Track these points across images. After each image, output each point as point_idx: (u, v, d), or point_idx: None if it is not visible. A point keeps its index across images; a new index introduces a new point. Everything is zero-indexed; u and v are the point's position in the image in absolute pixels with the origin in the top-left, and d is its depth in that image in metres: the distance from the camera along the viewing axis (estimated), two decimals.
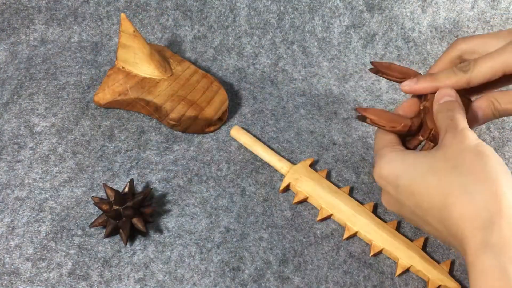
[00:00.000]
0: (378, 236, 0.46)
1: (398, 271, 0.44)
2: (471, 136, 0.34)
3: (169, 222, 0.47)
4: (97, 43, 0.66)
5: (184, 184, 0.51)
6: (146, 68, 0.55)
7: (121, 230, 0.44)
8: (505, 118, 0.59)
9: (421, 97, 0.42)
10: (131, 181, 0.47)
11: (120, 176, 0.51)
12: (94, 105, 0.58)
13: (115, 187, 0.50)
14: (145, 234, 0.46)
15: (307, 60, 0.67)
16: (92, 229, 0.46)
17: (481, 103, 0.41)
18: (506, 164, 0.54)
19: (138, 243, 0.45)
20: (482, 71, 0.38)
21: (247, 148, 0.54)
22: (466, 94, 0.41)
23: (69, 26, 0.67)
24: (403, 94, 0.62)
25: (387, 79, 0.45)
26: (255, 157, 0.54)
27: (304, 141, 0.56)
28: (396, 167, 0.36)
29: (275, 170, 0.52)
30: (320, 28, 0.69)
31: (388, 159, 0.37)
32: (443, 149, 0.34)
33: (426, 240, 0.47)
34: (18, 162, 0.52)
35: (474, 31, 0.71)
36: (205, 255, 0.45)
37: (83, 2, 0.67)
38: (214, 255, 0.45)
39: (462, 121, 0.36)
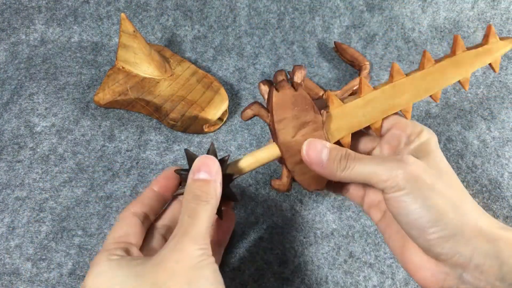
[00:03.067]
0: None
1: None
2: (193, 252, 0.28)
3: None
4: (97, 43, 0.66)
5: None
6: (146, 68, 0.55)
7: None
8: (505, 118, 0.60)
9: None
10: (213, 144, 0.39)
11: (120, 176, 0.51)
12: (94, 105, 0.58)
13: (115, 187, 0.50)
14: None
15: (307, 60, 0.67)
16: (92, 229, 0.46)
17: None
18: (506, 164, 0.54)
19: None
20: (353, 176, 0.34)
21: (247, 148, 0.54)
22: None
23: (69, 26, 0.67)
24: None
25: (342, 59, 0.43)
26: None
27: None
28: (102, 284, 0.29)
29: (275, 170, 0.53)
30: (320, 28, 0.69)
31: (98, 270, 0.29)
32: (157, 262, 0.28)
33: None
34: (18, 162, 0.52)
35: (474, 31, 0.71)
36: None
37: (83, 2, 0.67)
38: None
39: (197, 223, 0.29)
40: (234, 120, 0.58)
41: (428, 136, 0.36)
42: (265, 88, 0.39)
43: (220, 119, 0.57)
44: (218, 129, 0.56)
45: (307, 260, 0.45)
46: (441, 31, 0.71)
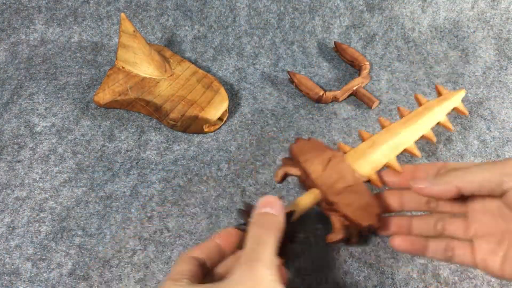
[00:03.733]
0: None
1: None
2: (267, 276, 0.29)
3: (169, 222, 0.47)
4: (97, 43, 0.66)
5: (184, 184, 0.51)
6: (146, 68, 0.55)
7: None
8: (505, 118, 0.60)
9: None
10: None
11: (120, 176, 0.51)
12: (94, 105, 0.58)
13: (115, 187, 0.50)
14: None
15: (307, 60, 0.67)
16: (92, 229, 0.46)
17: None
18: None
19: (138, 243, 0.45)
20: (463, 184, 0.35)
21: (247, 148, 0.54)
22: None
23: (69, 26, 0.67)
24: (402, 94, 0.62)
25: (342, 59, 0.52)
26: (255, 157, 0.54)
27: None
28: None
29: (275, 170, 0.53)
30: (320, 29, 0.69)
31: None
32: (231, 285, 0.29)
33: None
34: (18, 162, 0.52)
35: (474, 31, 0.71)
36: None
37: (83, 2, 0.67)
38: None
39: (266, 250, 0.30)
40: (234, 120, 0.58)
41: None
42: (280, 172, 0.44)
43: (220, 119, 0.57)
44: (218, 129, 0.56)
45: (307, 260, 0.45)
46: (441, 31, 0.71)
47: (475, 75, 0.66)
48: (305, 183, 0.43)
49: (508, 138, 0.57)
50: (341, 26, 0.69)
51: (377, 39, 0.69)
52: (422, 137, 0.48)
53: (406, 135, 0.47)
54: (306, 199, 0.41)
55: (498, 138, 0.57)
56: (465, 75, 0.66)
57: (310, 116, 0.59)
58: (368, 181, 0.44)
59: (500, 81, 0.65)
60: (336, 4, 0.69)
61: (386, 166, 0.44)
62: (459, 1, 0.71)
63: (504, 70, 0.67)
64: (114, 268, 0.44)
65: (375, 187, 0.45)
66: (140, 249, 0.45)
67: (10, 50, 0.65)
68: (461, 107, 0.52)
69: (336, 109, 0.60)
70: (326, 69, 0.66)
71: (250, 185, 0.51)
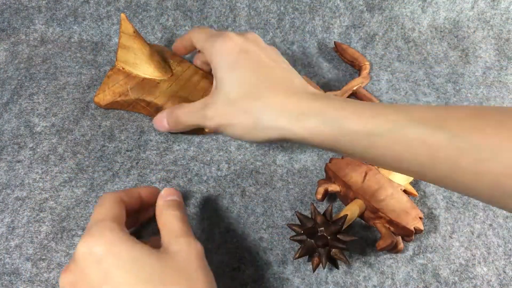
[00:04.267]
0: None
1: None
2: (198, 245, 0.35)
3: None
4: (97, 43, 0.66)
5: (184, 184, 0.51)
6: (146, 69, 0.55)
7: (318, 258, 0.42)
8: None
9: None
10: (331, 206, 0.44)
11: (120, 176, 0.51)
12: (94, 105, 0.58)
13: (115, 187, 0.50)
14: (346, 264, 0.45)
15: (307, 60, 0.67)
16: None
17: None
18: None
19: None
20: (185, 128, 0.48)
21: (247, 148, 0.55)
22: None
23: (69, 26, 0.67)
24: (402, 94, 0.62)
25: (342, 59, 0.57)
26: (255, 157, 0.54)
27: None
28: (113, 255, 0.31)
29: (275, 170, 0.53)
30: (320, 29, 0.69)
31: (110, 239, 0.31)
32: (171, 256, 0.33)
33: None
34: (18, 162, 0.52)
35: (474, 31, 0.71)
36: (205, 256, 0.45)
37: (83, 2, 0.66)
38: (214, 256, 0.45)
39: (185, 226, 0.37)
40: None
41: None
42: (321, 189, 0.47)
43: None
44: None
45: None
46: (441, 31, 0.71)
47: (475, 75, 0.66)
48: (346, 197, 0.47)
49: None
50: (341, 26, 0.69)
51: (377, 39, 0.69)
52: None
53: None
54: (353, 209, 0.44)
55: None
56: (465, 75, 0.66)
57: None
58: (404, 190, 0.47)
59: (500, 81, 0.65)
60: (336, 4, 0.69)
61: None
62: (459, 1, 0.71)
63: (504, 70, 0.67)
64: None
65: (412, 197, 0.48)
66: None
67: (10, 50, 0.65)
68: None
69: None
70: (326, 69, 0.66)
71: (250, 185, 0.51)
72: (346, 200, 0.47)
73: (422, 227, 0.44)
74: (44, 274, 0.43)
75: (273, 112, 0.37)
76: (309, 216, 0.45)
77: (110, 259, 0.30)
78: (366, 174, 0.47)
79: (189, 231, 0.36)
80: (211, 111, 0.41)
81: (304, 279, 0.44)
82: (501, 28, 0.71)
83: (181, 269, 0.31)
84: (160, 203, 0.39)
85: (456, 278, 0.45)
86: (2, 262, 0.44)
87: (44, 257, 0.44)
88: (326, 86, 0.63)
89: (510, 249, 0.47)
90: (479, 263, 0.46)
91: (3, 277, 0.43)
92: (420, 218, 0.44)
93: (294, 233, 0.43)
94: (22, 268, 0.43)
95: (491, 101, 0.62)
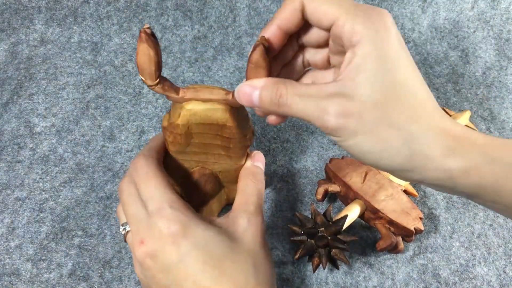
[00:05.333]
0: None
1: None
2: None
3: None
4: (97, 43, 0.66)
5: None
6: None
7: (318, 259, 0.42)
8: (505, 118, 0.59)
9: None
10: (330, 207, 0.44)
11: (120, 176, 0.51)
12: (94, 105, 0.58)
13: (115, 187, 0.50)
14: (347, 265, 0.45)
15: None
16: (93, 230, 0.46)
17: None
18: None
19: None
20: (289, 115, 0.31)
21: None
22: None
23: (69, 26, 0.67)
24: None
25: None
26: None
27: (304, 141, 0.56)
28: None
29: (275, 170, 0.52)
30: None
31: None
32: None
33: None
34: (18, 162, 0.52)
35: (474, 31, 0.71)
36: None
37: (83, 2, 0.66)
38: None
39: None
40: None
41: (364, 50, 0.27)
42: (321, 190, 0.47)
43: None
44: None
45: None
46: (441, 31, 0.71)
47: (475, 75, 0.66)
48: (346, 197, 0.47)
49: (508, 138, 0.57)
50: None
51: None
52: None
53: None
54: (353, 209, 0.44)
55: None
56: (465, 75, 0.66)
57: None
58: (404, 191, 0.47)
59: (500, 81, 0.65)
60: None
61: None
62: (459, 1, 0.71)
63: (504, 70, 0.67)
64: (114, 269, 0.44)
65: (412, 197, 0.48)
66: None
67: (10, 50, 0.65)
68: (470, 126, 0.55)
69: None
70: None
71: None
72: (346, 201, 0.47)
73: (422, 227, 0.44)
74: (44, 275, 0.43)
75: (429, 135, 0.27)
76: (309, 216, 0.45)
77: (185, 240, 0.31)
78: (366, 174, 0.47)
79: (260, 208, 0.36)
80: (338, 106, 0.27)
81: (304, 279, 0.44)
82: (501, 28, 0.71)
83: (249, 249, 0.32)
84: (248, 165, 0.40)
85: (456, 278, 0.45)
86: (2, 262, 0.44)
87: (44, 257, 0.44)
88: None
89: (510, 249, 0.47)
90: (479, 263, 0.46)
91: (3, 278, 0.43)
92: (420, 218, 0.44)
93: (294, 234, 0.43)
94: (22, 268, 0.43)
95: (491, 101, 0.62)
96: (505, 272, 0.45)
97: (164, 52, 0.67)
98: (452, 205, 0.50)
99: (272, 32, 0.33)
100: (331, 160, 0.49)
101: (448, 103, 0.61)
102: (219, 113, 0.39)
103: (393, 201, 0.45)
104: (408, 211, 0.44)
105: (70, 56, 0.64)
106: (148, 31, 0.34)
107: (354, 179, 0.46)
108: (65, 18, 0.67)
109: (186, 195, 0.46)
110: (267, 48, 0.33)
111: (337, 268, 0.42)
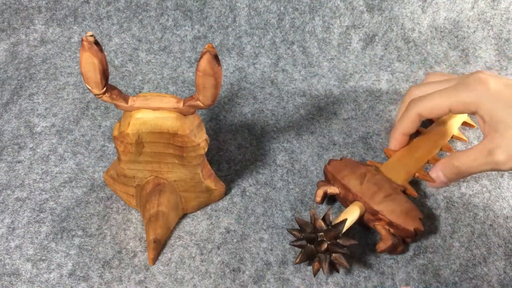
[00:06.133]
0: None
1: None
2: None
3: None
4: None
5: None
6: None
7: (318, 263, 0.41)
8: None
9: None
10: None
11: None
12: (94, 105, 0.58)
13: None
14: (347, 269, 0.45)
15: (307, 60, 0.67)
16: (93, 230, 0.46)
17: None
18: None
19: (139, 244, 0.45)
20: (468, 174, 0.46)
21: (247, 148, 0.55)
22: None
23: (69, 26, 0.67)
24: (403, 94, 0.62)
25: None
26: (255, 157, 0.54)
27: (304, 141, 0.56)
28: None
29: (275, 170, 0.53)
30: (320, 29, 0.69)
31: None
32: None
33: None
34: (18, 162, 0.52)
35: (474, 31, 0.71)
36: (206, 256, 0.45)
37: (83, 2, 0.66)
38: (215, 256, 0.45)
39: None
40: (235, 119, 0.58)
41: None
42: (320, 192, 0.47)
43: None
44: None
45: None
46: (441, 31, 0.71)
47: None
48: (345, 199, 0.46)
49: None
50: (341, 26, 0.69)
51: (377, 40, 0.69)
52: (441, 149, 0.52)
53: (425, 150, 0.51)
54: (352, 211, 0.44)
55: None
56: None
57: (311, 116, 0.59)
58: (404, 191, 0.47)
59: None
60: (336, 4, 0.69)
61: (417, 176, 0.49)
62: (459, 1, 0.71)
63: (504, 70, 0.67)
64: (114, 269, 0.44)
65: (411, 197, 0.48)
66: (140, 251, 0.45)
67: (10, 50, 0.65)
68: (468, 120, 0.57)
69: (337, 109, 0.60)
70: (326, 69, 0.66)
71: (250, 185, 0.51)
72: (346, 202, 0.47)
73: (422, 228, 0.43)
74: (44, 275, 0.43)
75: None
76: (309, 221, 0.44)
77: None
78: (365, 175, 0.46)
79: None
80: (503, 156, 0.41)
81: (304, 279, 0.44)
82: (501, 28, 0.71)
83: None
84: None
85: (457, 279, 0.45)
86: (2, 262, 0.44)
87: (44, 257, 0.44)
88: (326, 86, 0.63)
89: (510, 249, 0.47)
90: (479, 263, 0.46)
91: (3, 278, 0.43)
92: (420, 219, 0.44)
93: (294, 238, 0.43)
94: (22, 268, 0.43)
95: None
96: (505, 272, 0.45)
97: (164, 52, 0.67)
98: (452, 205, 0.50)
99: (398, 139, 0.50)
100: (330, 161, 0.49)
101: None
102: (170, 122, 0.39)
103: (392, 202, 0.44)
104: (407, 212, 0.44)
105: (70, 56, 0.64)
106: (91, 39, 0.34)
107: (353, 181, 0.46)
108: (65, 18, 0.67)
109: (140, 205, 0.46)
110: (215, 55, 0.34)
111: (338, 271, 0.42)
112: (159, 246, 0.44)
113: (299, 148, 0.55)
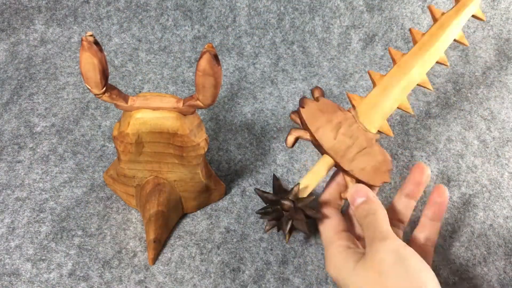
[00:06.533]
0: None
1: None
2: (391, 243, 0.35)
3: None
4: None
5: None
6: None
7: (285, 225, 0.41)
8: (505, 118, 0.60)
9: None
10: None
11: None
12: (94, 105, 0.58)
13: None
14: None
15: (307, 60, 0.67)
16: (92, 229, 0.46)
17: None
18: (506, 164, 0.54)
19: (138, 244, 0.45)
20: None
21: (247, 148, 0.55)
22: None
23: (69, 26, 0.67)
24: None
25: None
26: (255, 157, 0.54)
27: (304, 141, 0.56)
28: (336, 267, 0.38)
29: (275, 170, 0.53)
30: (320, 29, 0.69)
31: (332, 257, 0.39)
32: (370, 256, 0.36)
33: None
34: (18, 162, 0.52)
35: (474, 31, 0.71)
36: (206, 256, 0.45)
37: (83, 2, 0.67)
38: (214, 256, 0.45)
39: (383, 225, 0.37)
40: (235, 119, 0.58)
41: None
42: (295, 116, 0.44)
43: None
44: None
45: (307, 260, 0.45)
46: None
47: (475, 75, 0.66)
48: (318, 148, 0.44)
49: (508, 138, 0.57)
50: (341, 26, 0.69)
51: (377, 40, 0.69)
52: (436, 62, 0.47)
53: (419, 68, 0.46)
54: (320, 166, 0.42)
55: (498, 138, 0.57)
56: (465, 75, 0.66)
57: None
58: (379, 132, 0.45)
59: (500, 81, 0.65)
60: (336, 4, 0.69)
61: (398, 108, 0.46)
62: None
63: (504, 70, 0.67)
64: (114, 269, 0.44)
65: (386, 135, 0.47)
66: (140, 250, 0.45)
67: (10, 50, 0.65)
68: (479, 13, 0.50)
69: None
70: (326, 69, 0.66)
71: (250, 185, 0.51)
72: (319, 150, 0.44)
73: (388, 180, 0.42)
74: (44, 275, 0.43)
75: None
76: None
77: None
78: (340, 125, 0.42)
79: (380, 233, 0.37)
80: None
81: (304, 279, 0.44)
82: (501, 28, 0.71)
83: (375, 267, 0.35)
84: (352, 212, 0.42)
85: (456, 278, 0.45)
86: (2, 262, 0.44)
87: (44, 257, 0.44)
88: (326, 86, 0.63)
89: (510, 249, 0.47)
90: (479, 263, 0.46)
91: (3, 278, 0.43)
92: (389, 171, 0.42)
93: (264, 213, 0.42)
94: (22, 268, 0.43)
95: (491, 101, 0.62)
96: (505, 272, 0.45)
97: (164, 52, 0.67)
98: (452, 205, 0.50)
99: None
100: (304, 102, 0.43)
101: (448, 103, 0.61)
102: (170, 122, 0.39)
103: (365, 157, 0.42)
104: (377, 167, 0.42)
105: (70, 56, 0.65)
106: (91, 39, 0.34)
107: (327, 134, 0.42)
108: (65, 18, 0.67)
109: (140, 205, 0.46)
110: (215, 55, 0.34)
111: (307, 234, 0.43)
112: (159, 246, 0.44)
113: (299, 148, 0.55)
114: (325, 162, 0.42)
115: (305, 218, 0.41)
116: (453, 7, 0.49)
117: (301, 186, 0.42)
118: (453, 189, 0.52)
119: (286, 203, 0.40)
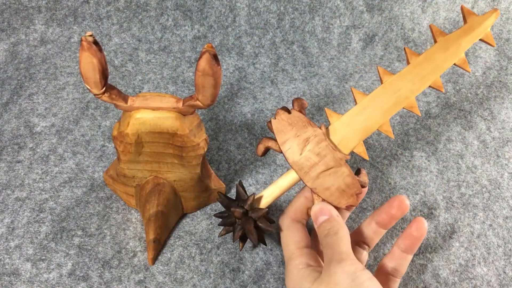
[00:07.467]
0: None
1: None
2: (349, 266, 0.34)
3: None
4: None
5: None
6: None
7: (249, 234, 0.41)
8: (505, 118, 0.60)
9: None
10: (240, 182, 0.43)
11: None
12: (94, 105, 0.58)
13: None
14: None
15: (307, 60, 0.67)
16: (92, 229, 0.46)
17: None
18: (506, 164, 0.54)
19: (138, 244, 0.45)
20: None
21: (247, 148, 0.55)
22: None
23: (69, 26, 0.67)
24: None
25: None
26: (255, 157, 0.54)
27: None
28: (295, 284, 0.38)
29: (275, 170, 0.53)
30: (320, 29, 0.69)
31: (290, 274, 0.38)
32: (326, 278, 0.35)
33: None
34: (18, 162, 0.52)
35: None
36: (205, 256, 0.45)
37: (83, 2, 0.67)
38: (214, 256, 0.45)
39: (342, 246, 0.36)
40: (234, 119, 0.58)
41: None
42: (261, 147, 0.42)
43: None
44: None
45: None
46: None
47: (475, 75, 0.66)
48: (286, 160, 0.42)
49: (508, 138, 0.57)
50: (341, 26, 0.69)
51: (377, 40, 0.69)
52: (429, 87, 0.43)
53: (407, 91, 0.42)
54: (285, 180, 0.41)
55: (498, 138, 0.57)
56: (465, 75, 0.66)
57: (310, 116, 0.59)
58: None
59: (500, 81, 0.65)
60: (336, 4, 0.69)
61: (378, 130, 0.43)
62: (459, 1, 0.71)
63: (504, 70, 0.67)
64: (114, 269, 0.44)
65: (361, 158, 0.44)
66: (140, 251, 0.45)
67: (10, 50, 0.65)
68: (489, 38, 0.45)
69: (337, 109, 0.60)
70: (326, 69, 0.66)
71: (250, 185, 0.51)
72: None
73: (356, 204, 0.40)
74: (44, 275, 0.43)
75: None
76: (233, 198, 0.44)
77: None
78: (308, 141, 0.40)
79: (339, 255, 0.35)
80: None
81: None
82: (501, 28, 0.71)
83: None
84: (316, 229, 0.39)
85: (456, 279, 0.45)
86: (2, 262, 0.44)
87: (43, 257, 0.44)
88: (326, 86, 0.63)
89: (510, 250, 0.47)
90: (479, 263, 0.46)
91: (3, 278, 0.43)
92: (357, 194, 0.40)
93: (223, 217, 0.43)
94: (22, 268, 0.43)
95: (491, 101, 0.62)
96: (504, 272, 0.45)
97: (164, 52, 0.67)
98: (452, 205, 0.50)
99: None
100: (276, 113, 0.42)
101: (448, 103, 0.61)
102: (169, 122, 0.39)
103: (330, 176, 0.40)
104: (344, 189, 0.40)
105: (70, 56, 0.65)
106: (90, 39, 0.34)
107: (293, 149, 0.40)
108: (65, 18, 0.67)
109: (140, 205, 0.46)
110: (214, 55, 0.34)
111: (263, 243, 0.43)
112: (159, 246, 0.44)
113: None
114: (290, 176, 0.41)
115: (256, 229, 0.40)
116: (458, 29, 0.45)
117: (261, 197, 0.41)
118: (453, 189, 0.52)
119: (237, 210, 0.40)
